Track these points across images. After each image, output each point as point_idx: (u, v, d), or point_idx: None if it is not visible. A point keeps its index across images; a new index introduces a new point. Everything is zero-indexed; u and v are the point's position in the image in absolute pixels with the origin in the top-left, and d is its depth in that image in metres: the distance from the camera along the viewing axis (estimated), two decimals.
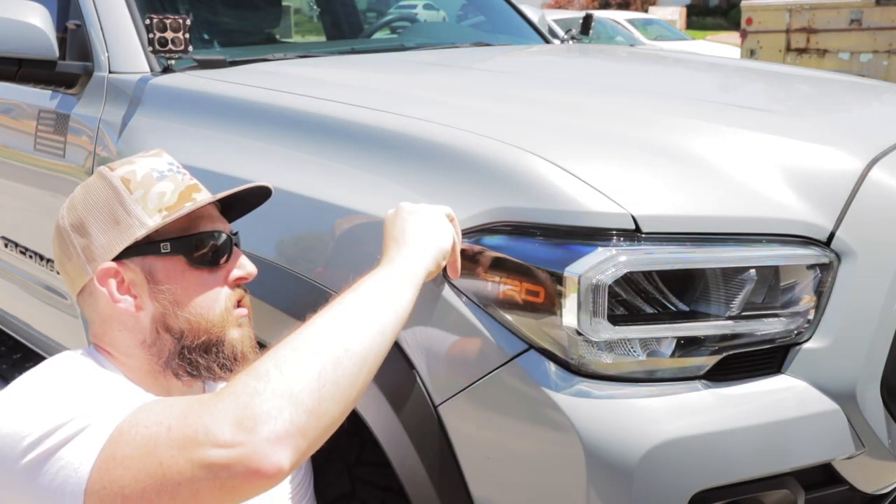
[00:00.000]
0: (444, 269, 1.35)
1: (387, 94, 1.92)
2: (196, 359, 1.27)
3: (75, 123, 2.26)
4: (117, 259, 1.27)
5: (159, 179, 1.30)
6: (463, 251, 1.37)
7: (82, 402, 1.08)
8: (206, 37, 2.76)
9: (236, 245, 1.36)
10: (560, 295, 1.28)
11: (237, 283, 1.35)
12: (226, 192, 1.35)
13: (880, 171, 1.46)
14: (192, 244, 1.30)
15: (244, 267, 1.36)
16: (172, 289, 1.28)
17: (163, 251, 1.28)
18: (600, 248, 1.28)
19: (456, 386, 1.36)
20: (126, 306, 1.27)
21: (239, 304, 1.34)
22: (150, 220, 1.27)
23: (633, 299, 1.31)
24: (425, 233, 1.28)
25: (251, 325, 1.36)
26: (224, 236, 1.33)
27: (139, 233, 1.26)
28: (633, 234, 1.30)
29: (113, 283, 1.27)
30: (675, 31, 17.38)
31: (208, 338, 1.28)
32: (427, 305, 1.38)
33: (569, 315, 1.27)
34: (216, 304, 1.30)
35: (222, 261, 1.32)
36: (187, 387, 1.32)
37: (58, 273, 1.40)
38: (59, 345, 2.52)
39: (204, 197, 1.33)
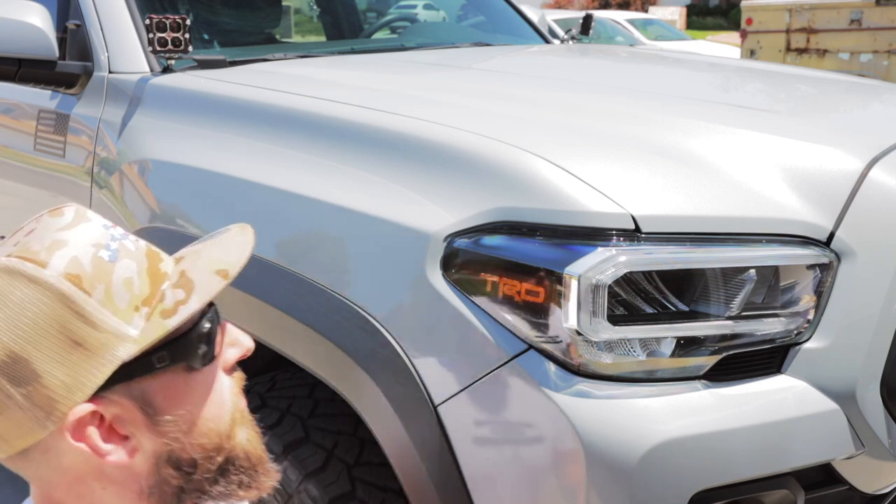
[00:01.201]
0: (443, 265, 1.35)
1: (387, 94, 1.92)
2: (214, 489, 0.93)
3: (75, 123, 2.26)
4: (92, 396, 0.85)
5: (113, 260, 0.87)
6: (463, 251, 1.37)
7: None
8: (206, 37, 2.76)
9: (217, 314, 0.96)
10: (560, 295, 1.28)
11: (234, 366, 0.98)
12: (215, 288, 0.89)
13: (880, 171, 1.46)
14: (193, 344, 0.90)
15: (240, 343, 0.97)
16: (182, 413, 0.90)
17: (158, 366, 0.88)
18: (600, 248, 1.28)
19: (456, 386, 1.36)
20: (118, 457, 0.88)
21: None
22: (130, 329, 0.86)
23: (632, 299, 1.31)
24: None
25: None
26: (212, 311, 0.94)
27: (125, 351, 0.85)
28: (633, 234, 1.30)
29: (95, 431, 0.86)
30: (675, 31, 17.36)
31: (225, 457, 0.93)
32: (427, 305, 1.38)
33: (569, 315, 1.27)
34: (224, 408, 0.94)
35: (217, 347, 0.94)
36: None
37: None
38: None
39: (168, 267, 0.92)
